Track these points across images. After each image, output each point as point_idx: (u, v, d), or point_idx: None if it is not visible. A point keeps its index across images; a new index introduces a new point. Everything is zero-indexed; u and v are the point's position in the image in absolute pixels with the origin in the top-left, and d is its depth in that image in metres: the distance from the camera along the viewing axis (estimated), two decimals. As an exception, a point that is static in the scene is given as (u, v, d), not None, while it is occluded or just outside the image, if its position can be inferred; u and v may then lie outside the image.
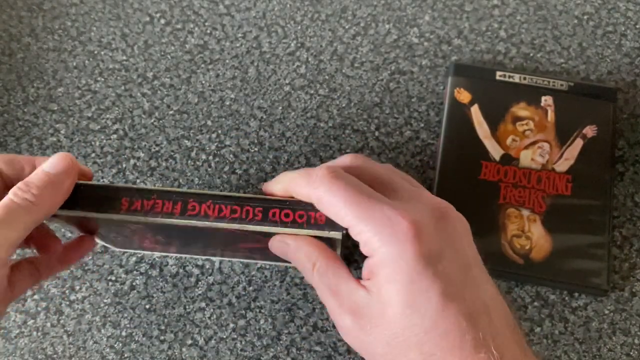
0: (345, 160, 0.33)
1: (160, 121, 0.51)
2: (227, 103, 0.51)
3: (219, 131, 0.50)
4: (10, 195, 0.29)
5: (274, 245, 0.33)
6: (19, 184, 0.29)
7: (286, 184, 0.32)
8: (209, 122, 0.51)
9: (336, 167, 0.30)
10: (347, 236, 0.30)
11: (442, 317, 0.27)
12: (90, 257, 0.47)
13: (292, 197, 0.31)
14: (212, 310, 0.45)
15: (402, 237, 0.27)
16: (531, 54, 0.53)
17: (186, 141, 0.50)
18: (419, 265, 0.27)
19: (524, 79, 0.49)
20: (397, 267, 0.27)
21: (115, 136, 0.51)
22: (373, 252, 0.28)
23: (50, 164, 0.30)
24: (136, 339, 0.45)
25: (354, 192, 0.28)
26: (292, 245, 0.32)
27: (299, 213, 0.30)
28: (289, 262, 0.34)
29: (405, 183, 0.32)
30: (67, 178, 0.30)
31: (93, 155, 0.50)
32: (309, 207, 0.30)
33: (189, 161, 0.49)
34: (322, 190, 0.29)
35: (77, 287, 0.46)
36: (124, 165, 0.49)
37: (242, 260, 0.46)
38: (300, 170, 0.32)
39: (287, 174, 0.32)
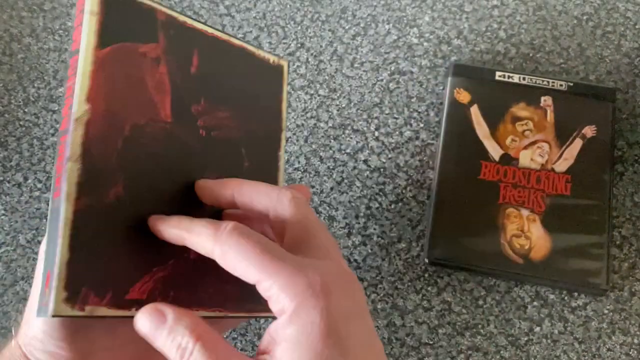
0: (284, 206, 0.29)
1: (161, 121, 0.51)
2: (228, 103, 0.51)
3: (219, 131, 0.50)
4: None
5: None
6: None
7: (182, 231, 0.28)
8: (209, 122, 0.51)
9: (244, 226, 0.27)
10: None
11: None
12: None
13: (179, 247, 0.28)
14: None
15: (311, 295, 0.25)
16: (530, 54, 0.53)
17: (186, 141, 0.50)
18: (328, 339, 0.25)
19: (524, 79, 0.49)
20: (303, 337, 0.25)
21: (115, 136, 0.51)
22: (283, 311, 0.25)
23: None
24: (137, 338, 0.45)
25: (263, 249, 0.26)
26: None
27: None
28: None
29: (328, 242, 0.30)
30: None
31: (93, 155, 0.50)
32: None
33: (190, 161, 0.49)
34: (229, 245, 0.26)
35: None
36: (124, 166, 0.50)
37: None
38: (201, 220, 0.28)
39: (184, 219, 0.28)
